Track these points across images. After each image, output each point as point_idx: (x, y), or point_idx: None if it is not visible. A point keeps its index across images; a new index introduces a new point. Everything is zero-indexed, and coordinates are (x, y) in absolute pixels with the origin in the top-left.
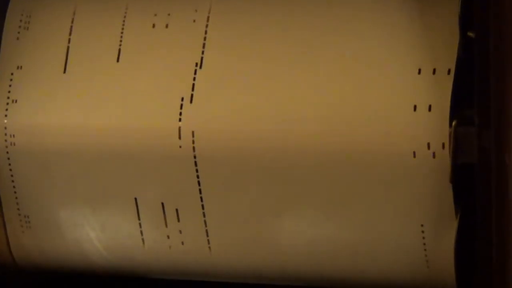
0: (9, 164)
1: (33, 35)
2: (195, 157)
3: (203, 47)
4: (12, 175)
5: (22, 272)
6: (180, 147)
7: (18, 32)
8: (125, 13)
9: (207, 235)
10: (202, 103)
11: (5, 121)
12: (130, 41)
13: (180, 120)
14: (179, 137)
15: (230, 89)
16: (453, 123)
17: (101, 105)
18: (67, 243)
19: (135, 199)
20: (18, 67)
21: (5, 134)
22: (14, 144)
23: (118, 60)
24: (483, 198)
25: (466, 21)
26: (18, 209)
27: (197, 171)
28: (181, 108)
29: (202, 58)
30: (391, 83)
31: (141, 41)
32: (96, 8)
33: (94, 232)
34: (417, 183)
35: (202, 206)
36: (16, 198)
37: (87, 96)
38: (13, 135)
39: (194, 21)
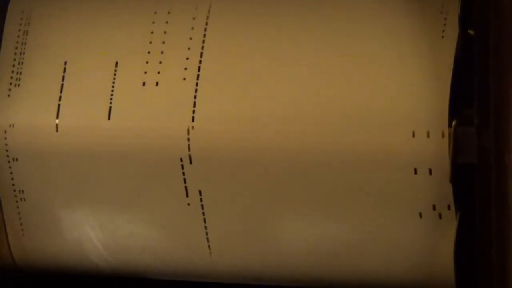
0: (10, 168)
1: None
2: (190, 157)
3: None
4: (12, 177)
5: (22, 273)
6: (178, 145)
7: (18, 36)
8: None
9: (207, 235)
10: (204, 104)
11: (4, 121)
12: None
13: (180, 121)
14: (177, 135)
15: (229, 90)
16: (453, 123)
17: (100, 106)
18: (67, 244)
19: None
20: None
21: (5, 138)
22: (14, 145)
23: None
24: (483, 198)
25: (465, 21)
26: (18, 210)
27: (191, 171)
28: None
29: (200, 61)
30: (392, 84)
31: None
32: None
33: (94, 233)
34: (417, 183)
35: (202, 206)
36: (16, 199)
37: (88, 96)
38: (13, 136)
39: (192, 26)
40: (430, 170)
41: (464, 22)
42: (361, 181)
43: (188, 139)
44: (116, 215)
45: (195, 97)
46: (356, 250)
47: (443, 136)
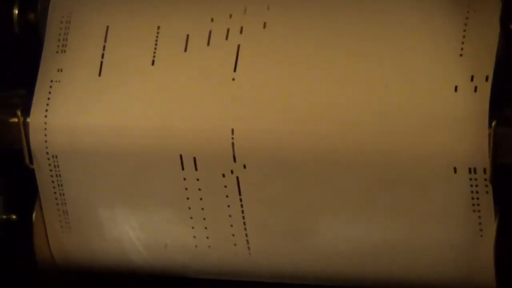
0: (49, 165)
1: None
2: (234, 156)
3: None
4: (52, 175)
5: (61, 272)
6: (221, 145)
7: (58, 40)
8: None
9: (246, 236)
10: (241, 102)
11: (45, 121)
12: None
13: (221, 119)
14: (220, 135)
15: (270, 90)
16: (493, 124)
17: (144, 107)
18: (106, 243)
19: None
20: (58, 70)
21: (45, 135)
22: (55, 145)
23: (153, 64)
24: None
25: (507, 18)
26: (58, 209)
27: (233, 171)
28: (222, 108)
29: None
30: (430, 83)
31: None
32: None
33: (133, 232)
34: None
35: (241, 205)
36: (56, 197)
37: (127, 97)
38: (54, 136)
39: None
40: (469, 170)
41: (506, 20)
42: (400, 181)
43: (232, 139)
44: (156, 214)
45: (235, 98)
46: (395, 249)
47: (483, 136)
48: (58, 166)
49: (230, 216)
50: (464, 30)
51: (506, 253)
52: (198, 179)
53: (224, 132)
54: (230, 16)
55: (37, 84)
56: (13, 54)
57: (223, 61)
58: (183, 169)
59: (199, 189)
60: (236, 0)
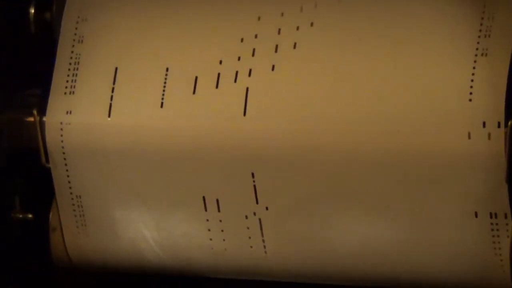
0: (65, 164)
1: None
2: (249, 155)
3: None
4: (68, 175)
5: (78, 271)
6: (238, 145)
7: (75, 34)
8: None
9: (262, 236)
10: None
11: (61, 119)
12: None
13: (240, 119)
14: (237, 136)
15: (289, 89)
16: (509, 123)
17: (153, 103)
18: (122, 242)
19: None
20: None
21: (61, 135)
22: (70, 144)
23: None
24: None
25: None
26: (74, 208)
27: (253, 172)
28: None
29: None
30: (448, 84)
31: None
32: None
33: (149, 232)
34: (473, 182)
35: (257, 204)
36: (72, 197)
37: (145, 96)
38: (70, 135)
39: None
40: (486, 169)
41: None
42: (418, 181)
43: (246, 139)
44: (171, 214)
45: (247, 96)
46: (411, 250)
47: (500, 136)
48: (74, 164)
49: (247, 215)
50: (479, 37)
51: None
52: (216, 178)
53: (241, 131)
54: (239, 58)
55: (52, 83)
56: (29, 53)
57: (233, 103)
58: (195, 167)
59: (214, 189)
60: (244, 42)
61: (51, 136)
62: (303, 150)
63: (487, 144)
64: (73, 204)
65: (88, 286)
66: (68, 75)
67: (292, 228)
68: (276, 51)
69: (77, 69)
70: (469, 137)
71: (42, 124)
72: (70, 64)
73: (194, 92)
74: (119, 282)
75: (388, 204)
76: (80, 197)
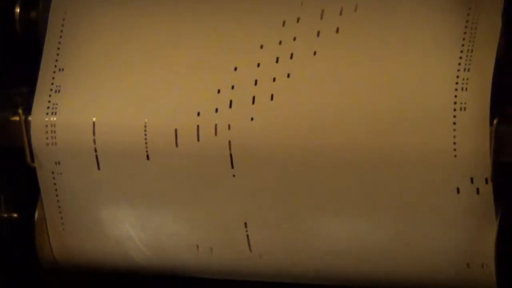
0: (51, 164)
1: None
2: (231, 155)
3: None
4: (53, 174)
5: (62, 270)
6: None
7: (61, 31)
8: None
9: (247, 237)
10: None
11: (47, 119)
12: None
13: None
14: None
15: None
16: (494, 122)
17: (138, 105)
18: (108, 241)
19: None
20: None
21: (47, 133)
22: (56, 143)
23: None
24: None
25: (509, 19)
26: (59, 207)
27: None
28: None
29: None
30: (431, 85)
31: None
32: None
33: (135, 231)
34: (457, 182)
35: (243, 204)
36: (57, 196)
37: (138, 94)
38: (55, 133)
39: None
40: (471, 180)
41: (508, 19)
42: (404, 181)
43: (230, 137)
44: (157, 213)
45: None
46: (397, 249)
47: (484, 136)
48: (59, 164)
49: (232, 216)
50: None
51: (507, 254)
52: (200, 177)
53: (228, 131)
54: (216, 110)
55: (38, 82)
56: (14, 52)
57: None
58: (183, 168)
59: (200, 188)
60: (222, 94)
61: (36, 135)
62: (291, 149)
63: (474, 143)
64: (58, 202)
65: (77, 286)
66: (54, 74)
67: (277, 228)
68: (253, 103)
69: (63, 68)
70: (455, 136)
71: (27, 123)
72: (56, 62)
73: None
74: (108, 282)
75: (377, 204)
76: (65, 195)
